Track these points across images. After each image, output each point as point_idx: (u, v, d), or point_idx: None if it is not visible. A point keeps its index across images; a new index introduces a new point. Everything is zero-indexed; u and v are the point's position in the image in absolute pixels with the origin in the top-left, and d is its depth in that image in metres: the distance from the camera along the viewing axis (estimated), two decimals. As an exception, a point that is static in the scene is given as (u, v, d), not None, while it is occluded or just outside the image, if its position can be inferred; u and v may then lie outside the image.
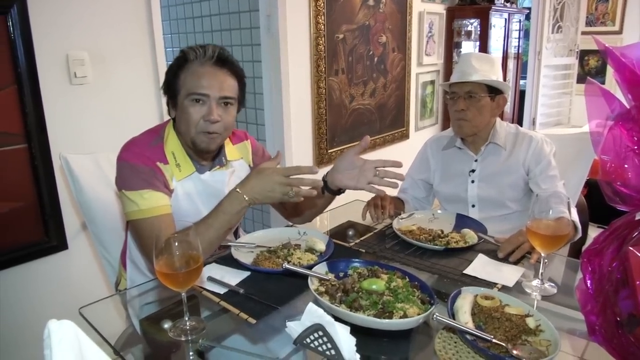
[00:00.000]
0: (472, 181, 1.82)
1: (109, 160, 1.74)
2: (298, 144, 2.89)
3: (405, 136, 3.78)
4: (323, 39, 2.87)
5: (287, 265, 1.23)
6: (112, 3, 2.00)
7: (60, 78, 1.90)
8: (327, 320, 0.95)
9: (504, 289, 1.25)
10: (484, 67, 1.76)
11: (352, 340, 0.95)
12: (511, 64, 4.60)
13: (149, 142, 1.43)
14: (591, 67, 6.31)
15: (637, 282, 0.86)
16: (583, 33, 6.20)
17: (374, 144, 3.46)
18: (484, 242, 1.50)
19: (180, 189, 1.42)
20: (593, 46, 6.20)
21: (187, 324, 1.09)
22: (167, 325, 1.11)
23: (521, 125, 5.92)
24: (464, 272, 1.33)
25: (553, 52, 5.80)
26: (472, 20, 4.06)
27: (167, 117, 2.04)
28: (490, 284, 1.26)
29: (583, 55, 6.28)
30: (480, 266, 1.36)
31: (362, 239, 1.58)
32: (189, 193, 1.44)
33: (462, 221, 1.66)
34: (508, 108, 4.75)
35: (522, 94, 5.97)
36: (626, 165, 0.96)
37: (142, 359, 1.14)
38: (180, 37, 3.54)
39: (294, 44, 2.74)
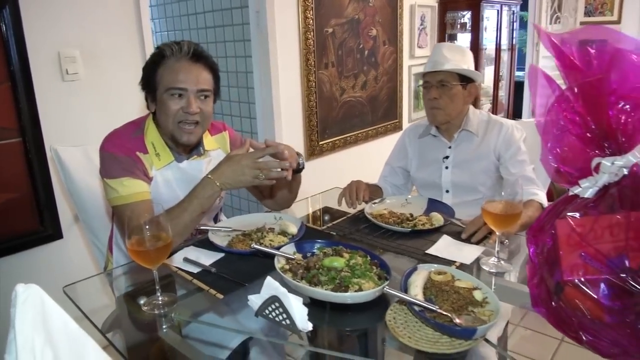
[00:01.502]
0: (446, 167, 1.89)
1: (97, 152, 1.83)
2: (289, 136, 2.97)
3: (398, 128, 3.84)
4: (312, 33, 2.95)
5: (255, 245, 1.32)
6: (103, 2, 2.09)
7: (53, 75, 1.99)
8: (281, 292, 1.04)
9: (462, 266, 1.33)
10: (455, 57, 1.82)
11: (305, 310, 1.03)
12: (505, 55, 4.64)
13: (130, 133, 1.52)
14: (591, 57, 6.31)
15: (561, 252, 0.94)
16: (582, 23, 6.22)
17: (367, 135, 3.53)
18: (450, 225, 1.57)
19: (159, 176, 1.51)
20: (592, 36, 6.21)
21: (160, 299, 1.18)
22: (142, 301, 1.20)
23: (520, 117, 5.95)
24: (426, 251, 1.40)
25: (552, 43, 5.82)
26: (464, 12, 4.10)
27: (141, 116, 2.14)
28: (449, 262, 1.34)
29: (582, 45, 6.28)
30: (443, 246, 1.44)
31: (334, 222, 1.66)
32: (168, 180, 1.53)
33: (433, 205, 1.73)
34: (504, 99, 4.79)
35: (517, 85, 6.01)
36: (563, 145, 1.03)
37: (121, 334, 1.23)
38: (175, 34, 3.63)
39: (283, 38, 2.82)
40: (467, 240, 1.48)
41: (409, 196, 1.85)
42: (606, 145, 0.96)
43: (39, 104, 1.95)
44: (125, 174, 1.44)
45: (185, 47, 1.47)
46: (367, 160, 3.46)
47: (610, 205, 0.93)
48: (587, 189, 0.97)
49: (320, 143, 3.17)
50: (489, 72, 4.44)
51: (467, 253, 1.39)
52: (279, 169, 1.39)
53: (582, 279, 0.90)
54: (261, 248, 1.32)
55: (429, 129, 1.96)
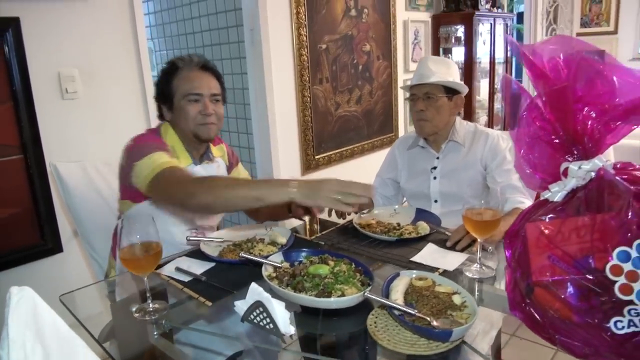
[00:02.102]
0: (434, 178, 1.94)
1: (95, 167, 1.91)
2: (285, 151, 3.03)
3: (394, 141, 3.88)
4: (306, 49, 3.02)
5: (243, 254, 1.36)
6: (101, 24, 2.17)
7: (53, 94, 2.07)
8: (264, 297, 1.08)
9: (446, 273, 1.36)
10: (440, 69, 1.88)
11: (287, 314, 1.08)
12: (500, 68, 4.70)
13: (154, 137, 1.65)
14: (588, 68, 6.35)
15: (530, 255, 0.98)
16: (578, 34, 6.29)
17: (362, 149, 3.58)
18: (436, 233, 1.61)
19: None
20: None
21: (150, 306, 1.22)
22: (134, 308, 1.25)
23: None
24: (411, 259, 1.45)
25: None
26: (457, 27, 4.17)
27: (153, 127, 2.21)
28: (433, 269, 1.38)
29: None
30: (428, 254, 1.48)
31: (323, 233, 1.70)
32: None
33: (421, 215, 1.78)
34: (500, 112, 4.84)
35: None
36: (535, 151, 1.07)
37: (115, 341, 1.27)
38: (174, 53, 3.71)
39: (277, 55, 2.89)
40: (452, 248, 1.51)
41: (397, 206, 1.89)
42: (574, 150, 1.01)
43: (39, 121, 2.02)
44: (155, 150, 1.52)
45: (195, 58, 1.68)
46: (364, 173, 3.49)
47: (577, 208, 0.97)
48: (556, 193, 1.01)
49: (316, 157, 3.22)
50: (484, 84, 4.50)
51: (450, 260, 1.42)
52: (361, 196, 1.32)
53: (550, 280, 0.94)
54: (249, 257, 1.36)
55: (417, 141, 2.01)
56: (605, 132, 0.99)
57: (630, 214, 0.88)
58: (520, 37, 6.61)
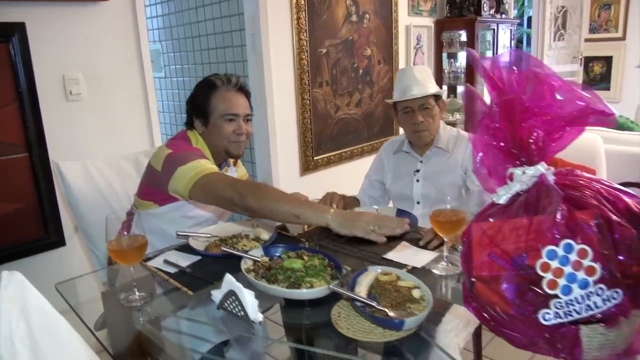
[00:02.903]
0: (417, 180, 2.02)
1: (96, 166, 2.02)
2: (284, 152, 3.13)
3: (395, 143, 3.97)
4: (306, 54, 3.12)
5: (224, 248, 1.46)
6: (104, 29, 2.29)
7: (57, 96, 2.19)
8: (236, 286, 1.18)
9: (414, 269, 1.45)
10: (425, 77, 1.96)
11: (256, 302, 1.17)
12: (504, 72, 4.73)
13: (191, 146, 1.78)
14: (596, 73, 6.37)
15: (473, 252, 1.06)
16: (586, 40, 6.29)
17: (362, 150, 3.67)
18: (412, 232, 1.70)
19: None
20: (597, 53, 6.28)
21: (136, 294, 1.33)
22: (122, 295, 1.35)
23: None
24: (383, 256, 1.53)
25: (556, 60, 5.91)
26: (461, 32, 4.24)
27: (155, 131, 2.33)
28: (403, 266, 1.46)
29: (587, 62, 6.35)
30: (401, 252, 1.56)
31: (306, 230, 1.80)
32: None
33: (401, 215, 1.85)
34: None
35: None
36: (489, 156, 1.16)
37: (107, 328, 1.38)
38: (181, 55, 3.84)
39: (278, 59, 2.99)
40: (425, 247, 1.59)
41: (377, 207, 1.98)
42: (521, 157, 1.09)
43: (44, 122, 2.14)
44: (202, 158, 1.68)
45: (234, 79, 1.83)
46: (363, 175, 3.58)
47: (518, 211, 1.05)
48: (501, 196, 1.09)
49: (315, 158, 3.32)
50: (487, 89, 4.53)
51: (420, 258, 1.50)
52: (395, 228, 1.49)
53: (489, 275, 1.03)
54: (230, 251, 1.46)
55: (402, 145, 2.10)
56: (549, 141, 1.07)
57: (559, 216, 0.97)
58: (530, 42, 6.63)
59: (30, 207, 2.15)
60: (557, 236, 0.96)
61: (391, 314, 1.15)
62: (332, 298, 1.29)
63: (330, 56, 3.29)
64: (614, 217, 0.97)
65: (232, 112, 1.78)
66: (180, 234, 1.67)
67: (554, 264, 0.95)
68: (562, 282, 0.95)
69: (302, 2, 3.03)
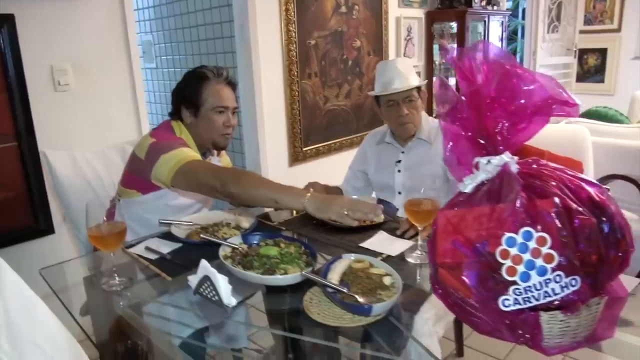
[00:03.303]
0: (399, 171, 2.06)
1: (83, 155, 2.05)
2: (272, 143, 3.16)
3: (385, 135, 4.00)
4: (294, 45, 3.14)
5: (203, 235, 1.50)
6: (92, 21, 2.32)
7: (46, 86, 2.22)
8: (211, 272, 1.22)
9: (389, 258, 1.48)
10: (408, 70, 1.99)
11: (229, 287, 1.21)
12: (495, 64, 4.76)
13: (174, 135, 1.83)
14: (590, 65, 6.36)
15: (437, 240, 1.09)
16: (581, 32, 6.29)
17: (352, 142, 3.69)
18: (391, 222, 1.73)
19: None
20: (591, 45, 6.29)
21: (117, 279, 1.37)
22: (102, 280, 1.39)
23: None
24: (360, 244, 1.57)
25: (549, 52, 5.92)
26: (452, 24, 4.26)
27: (144, 121, 2.36)
28: (377, 254, 1.50)
29: (582, 54, 6.34)
30: (377, 241, 1.60)
31: (286, 219, 1.83)
32: None
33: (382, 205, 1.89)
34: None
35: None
36: (457, 146, 1.19)
37: (90, 313, 1.41)
38: (172, 46, 3.85)
39: (266, 50, 3.01)
40: (402, 236, 1.63)
41: (354, 196, 2.00)
42: (487, 146, 1.12)
43: (33, 112, 2.17)
44: (184, 146, 1.73)
45: (224, 73, 1.87)
46: (352, 165, 3.63)
47: (482, 199, 1.08)
48: (467, 185, 1.12)
49: (304, 149, 3.35)
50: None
51: (396, 246, 1.55)
52: (368, 214, 1.44)
53: (452, 262, 1.06)
54: (210, 238, 1.50)
55: (384, 136, 2.13)
56: (514, 131, 1.11)
57: (518, 203, 1.00)
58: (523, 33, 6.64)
59: (20, 195, 2.19)
60: (517, 224, 1.00)
61: (360, 299, 1.19)
62: (307, 285, 1.33)
63: (319, 47, 3.31)
64: (575, 206, 1.01)
65: (223, 104, 1.83)
66: (163, 221, 1.70)
67: (513, 251, 0.99)
68: (520, 268, 0.99)
69: (291, -7, 3.05)
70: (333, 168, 3.56)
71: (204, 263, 1.24)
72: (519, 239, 0.98)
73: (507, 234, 0.99)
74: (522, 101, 1.08)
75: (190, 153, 1.70)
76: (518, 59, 9.09)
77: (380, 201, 1.93)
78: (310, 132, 3.38)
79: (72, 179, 1.99)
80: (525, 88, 1.08)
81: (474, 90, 1.12)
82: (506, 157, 1.08)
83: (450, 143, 1.20)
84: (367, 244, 1.58)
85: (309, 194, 1.46)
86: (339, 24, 3.42)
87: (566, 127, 3.28)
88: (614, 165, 2.99)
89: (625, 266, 1.05)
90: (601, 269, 1.01)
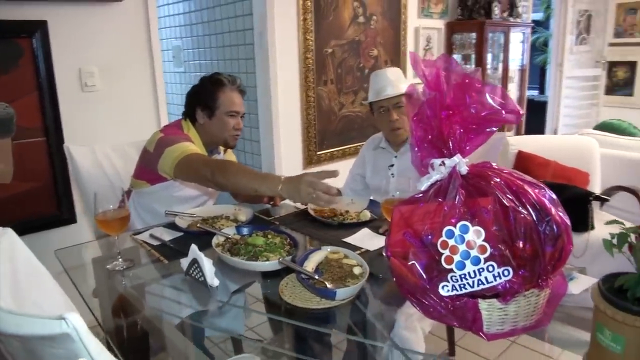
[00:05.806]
0: (392, 175, 2.17)
1: (103, 151, 2.24)
2: (287, 145, 3.31)
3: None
4: (311, 53, 3.29)
5: (200, 225, 1.66)
6: (118, 26, 2.52)
7: (74, 87, 2.43)
8: (198, 255, 1.37)
9: (367, 252, 1.60)
10: (399, 78, 2.10)
11: (213, 269, 1.36)
12: (516, 76, 4.80)
13: (181, 132, 2.00)
14: (619, 78, 6.29)
15: (391, 232, 1.21)
16: (610, 44, 6.23)
17: (366, 147, 3.81)
18: (376, 221, 1.85)
19: None
20: (621, 58, 6.23)
21: (120, 260, 1.53)
22: (108, 261, 1.56)
23: (540, 134, 5.98)
24: (343, 239, 1.69)
25: (577, 64, 5.90)
26: (472, 34, 4.33)
27: (163, 121, 2.55)
28: (357, 248, 1.62)
29: (611, 66, 6.28)
30: (360, 237, 1.72)
31: (282, 215, 1.98)
32: None
33: (371, 205, 2.01)
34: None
35: (539, 104, 6.10)
36: (422, 148, 1.30)
37: (97, 290, 1.58)
38: (199, 52, 4.06)
39: (283, 57, 3.17)
40: (383, 234, 1.75)
41: (352, 197, 2.13)
42: (443, 149, 1.24)
43: (61, 110, 2.38)
44: (187, 141, 1.90)
45: (237, 81, 2.07)
46: (366, 170, 3.75)
47: (432, 197, 1.20)
48: (423, 183, 1.24)
49: (318, 153, 3.49)
50: (497, 91, 4.60)
51: (375, 242, 1.66)
52: (324, 203, 1.55)
53: (402, 251, 1.18)
54: (207, 228, 1.66)
55: (380, 142, 2.25)
56: (465, 137, 1.22)
57: (457, 200, 1.12)
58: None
59: (46, 186, 2.40)
60: (456, 218, 1.12)
61: (329, 285, 1.32)
62: (288, 271, 1.46)
63: (335, 56, 3.45)
64: (512, 205, 1.12)
65: (235, 109, 2.02)
66: (169, 212, 1.87)
67: (451, 242, 1.11)
68: (457, 258, 1.10)
69: (309, 4, 3.20)
70: (346, 172, 3.67)
71: (193, 247, 1.39)
72: (457, 231, 1.10)
73: (447, 227, 1.11)
74: (474, 111, 1.19)
75: (192, 147, 1.85)
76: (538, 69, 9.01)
77: (372, 201, 2.05)
78: (325, 137, 3.52)
79: (91, 172, 2.18)
80: (478, 99, 1.19)
81: (431, 98, 1.24)
82: (457, 159, 1.19)
83: (415, 146, 1.32)
84: (349, 239, 1.70)
85: (282, 181, 1.58)
86: (357, 33, 3.55)
87: (576, 139, 3.32)
88: (621, 177, 3.02)
89: (563, 262, 1.15)
90: (537, 263, 1.11)
